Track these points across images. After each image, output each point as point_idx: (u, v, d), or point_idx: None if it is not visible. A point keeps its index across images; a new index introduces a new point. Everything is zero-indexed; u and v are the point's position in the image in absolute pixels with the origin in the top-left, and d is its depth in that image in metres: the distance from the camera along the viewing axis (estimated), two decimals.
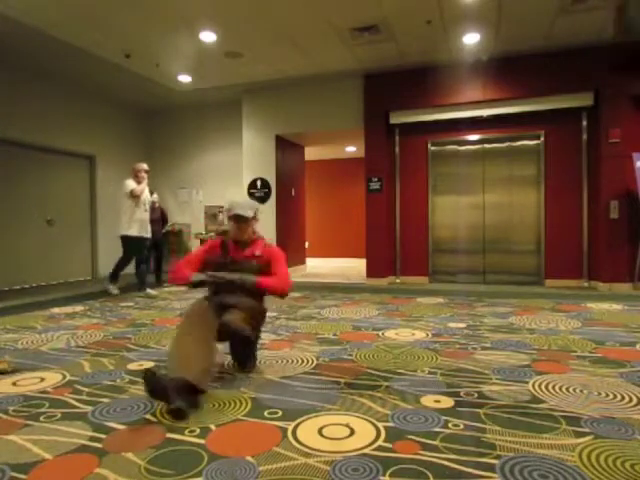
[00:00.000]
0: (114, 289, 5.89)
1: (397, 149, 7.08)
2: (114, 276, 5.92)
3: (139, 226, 5.76)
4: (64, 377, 2.65)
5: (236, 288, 2.61)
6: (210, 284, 2.67)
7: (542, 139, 6.44)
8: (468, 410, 2.10)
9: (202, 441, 1.83)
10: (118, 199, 5.93)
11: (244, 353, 2.79)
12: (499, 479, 1.54)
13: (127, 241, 5.76)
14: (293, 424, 1.98)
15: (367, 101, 6.99)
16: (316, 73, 6.95)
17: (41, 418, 2.08)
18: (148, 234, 5.92)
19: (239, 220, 2.75)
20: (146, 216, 5.88)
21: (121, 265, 5.91)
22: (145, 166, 5.91)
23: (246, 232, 2.79)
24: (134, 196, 5.68)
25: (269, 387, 2.44)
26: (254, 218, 2.83)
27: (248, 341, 2.63)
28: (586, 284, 6.22)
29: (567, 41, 5.84)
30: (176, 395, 2.00)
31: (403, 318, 4.22)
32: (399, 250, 7.09)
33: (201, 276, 2.64)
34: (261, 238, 2.89)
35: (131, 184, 5.73)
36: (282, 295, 2.70)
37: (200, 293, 2.88)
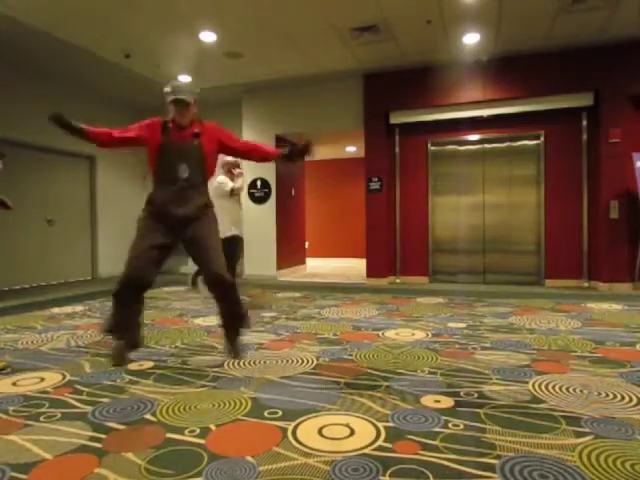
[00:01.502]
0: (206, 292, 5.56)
1: (397, 149, 7.08)
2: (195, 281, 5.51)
3: (239, 225, 5.40)
4: (64, 377, 2.65)
5: (193, 169, 2.70)
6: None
7: (542, 139, 6.44)
8: (468, 410, 2.10)
9: (202, 441, 1.83)
10: (216, 199, 5.57)
11: (234, 305, 2.86)
12: (499, 479, 1.54)
13: (232, 242, 5.32)
14: (293, 424, 1.97)
15: (367, 101, 6.99)
16: (316, 73, 6.95)
17: (41, 418, 2.08)
18: (242, 234, 5.52)
19: (180, 104, 2.70)
20: (241, 214, 5.52)
21: (234, 268, 5.41)
22: (238, 160, 5.53)
23: (187, 117, 2.75)
24: (233, 195, 5.27)
25: (269, 387, 2.44)
26: (194, 103, 2.79)
27: (232, 287, 2.79)
28: (586, 284, 6.22)
29: (567, 41, 5.84)
30: None
31: (403, 318, 4.22)
32: (399, 250, 7.09)
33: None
34: (194, 119, 2.84)
35: (227, 181, 5.28)
36: (270, 157, 2.97)
37: None
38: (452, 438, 1.83)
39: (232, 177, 5.32)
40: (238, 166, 5.39)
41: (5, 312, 4.72)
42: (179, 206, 2.72)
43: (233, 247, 5.24)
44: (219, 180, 5.31)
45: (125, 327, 2.78)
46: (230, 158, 5.36)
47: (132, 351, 2.89)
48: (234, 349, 2.96)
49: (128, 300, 2.76)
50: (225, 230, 5.14)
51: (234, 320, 2.91)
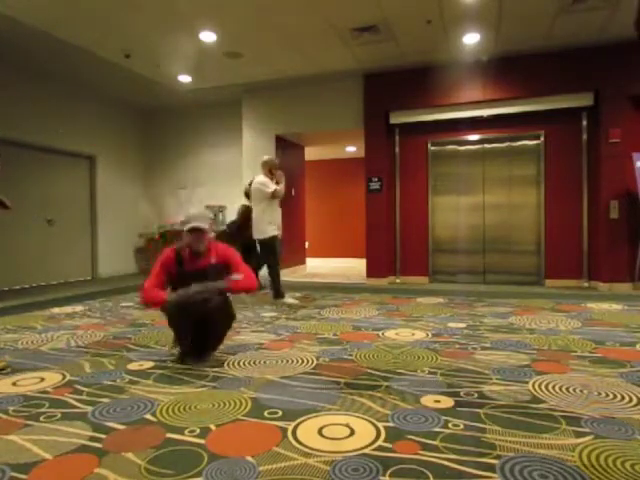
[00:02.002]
0: (290, 298, 5.26)
1: (397, 149, 7.08)
2: (279, 289, 5.28)
3: (278, 227, 5.29)
4: (64, 377, 2.65)
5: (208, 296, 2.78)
6: (185, 302, 2.75)
7: (542, 139, 6.44)
8: (468, 410, 2.10)
9: (202, 441, 1.83)
10: (256, 200, 5.19)
11: (216, 334, 2.96)
12: (499, 479, 1.54)
13: (271, 244, 5.17)
14: (293, 424, 1.98)
15: (367, 101, 6.99)
16: (316, 73, 6.95)
17: (41, 418, 2.08)
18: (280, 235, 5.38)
19: (197, 232, 2.85)
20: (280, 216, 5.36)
21: (277, 274, 5.25)
22: (277, 160, 5.39)
23: (203, 243, 2.88)
24: (275, 197, 5.15)
25: (269, 387, 2.44)
26: (208, 230, 2.91)
27: (229, 318, 2.93)
28: (586, 284, 6.22)
29: (567, 41, 5.84)
30: None
31: (403, 318, 4.22)
32: (399, 250, 7.09)
33: (174, 297, 2.76)
34: (210, 245, 2.97)
35: (269, 183, 5.13)
36: (252, 291, 3.03)
37: None
38: (452, 438, 1.83)
39: (272, 178, 5.18)
40: (278, 167, 5.23)
41: (5, 312, 4.72)
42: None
43: (272, 247, 5.13)
44: (260, 181, 5.14)
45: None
46: (270, 158, 5.28)
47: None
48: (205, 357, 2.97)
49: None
50: (265, 230, 5.09)
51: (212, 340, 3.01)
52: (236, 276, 2.88)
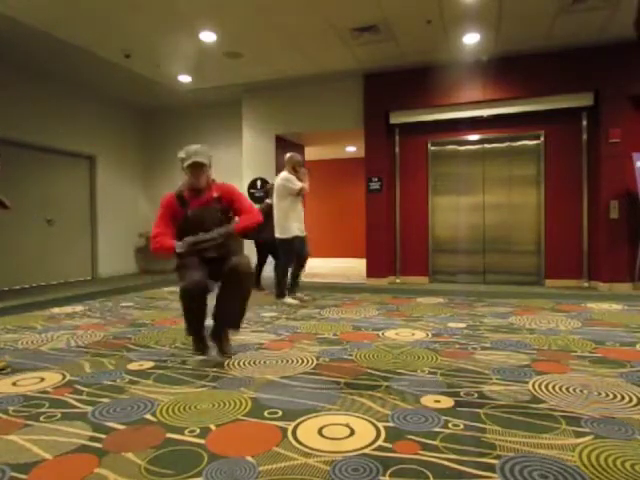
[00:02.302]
0: (292, 300, 5.19)
1: (397, 149, 7.08)
2: (283, 290, 5.20)
3: (299, 226, 5.11)
4: (64, 377, 2.65)
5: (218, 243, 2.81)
6: (193, 249, 2.77)
7: (542, 139, 6.44)
8: (468, 410, 2.10)
9: (202, 441, 1.83)
10: (280, 197, 5.04)
11: (241, 306, 2.91)
12: (499, 479, 1.54)
13: (289, 243, 5.03)
14: (293, 424, 1.97)
15: (367, 101, 6.99)
16: (316, 73, 6.95)
17: (41, 418, 2.08)
18: (303, 233, 5.21)
19: (197, 167, 2.82)
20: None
21: (285, 274, 5.18)
22: (301, 157, 5.25)
23: (202, 178, 2.86)
24: (299, 195, 5.00)
25: (269, 387, 2.44)
26: (208, 164, 2.89)
27: (250, 283, 2.88)
28: (586, 284, 6.22)
29: (567, 41, 5.84)
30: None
31: (403, 318, 4.22)
32: (399, 250, 7.09)
33: (183, 245, 2.75)
34: (212, 182, 2.98)
35: (294, 180, 4.97)
36: (257, 225, 3.01)
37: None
38: (452, 438, 1.83)
39: (297, 175, 5.03)
40: (303, 164, 5.06)
41: (5, 312, 4.72)
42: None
43: (290, 247, 5.00)
44: (285, 177, 4.99)
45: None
46: (295, 154, 5.15)
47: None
48: (225, 347, 3.01)
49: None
50: (289, 229, 4.95)
51: (231, 319, 2.96)
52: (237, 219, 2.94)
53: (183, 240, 2.78)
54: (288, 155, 5.20)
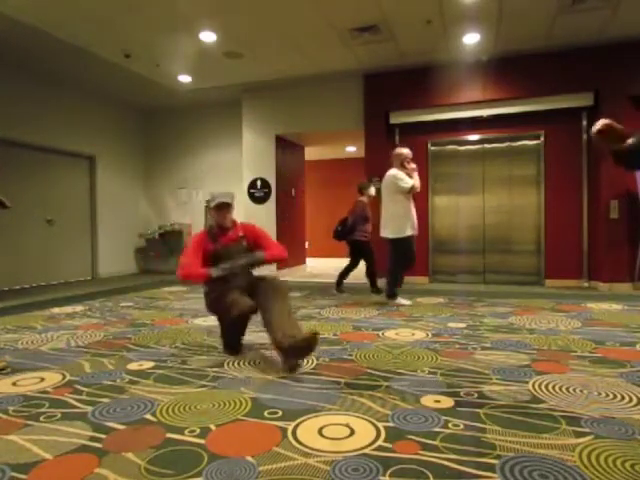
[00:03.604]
0: (406, 300, 4.97)
1: None
2: (395, 284, 4.97)
3: (413, 224, 4.85)
4: (64, 377, 2.65)
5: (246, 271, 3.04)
6: (227, 274, 2.94)
7: (542, 139, 6.44)
8: (468, 410, 2.10)
9: (202, 441, 1.83)
10: (390, 195, 4.84)
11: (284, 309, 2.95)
12: (499, 479, 1.54)
13: (403, 243, 4.79)
14: (293, 424, 1.97)
15: (367, 101, 6.99)
16: (316, 73, 6.95)
17: (41, 418, 2.08)
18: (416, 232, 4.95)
19: (223, 207, 3.09)
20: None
21: (399, 271, 4.95)
22: (410, 153, 4.93)
23: (229, 217, 3.14)
24: (410, 193, 4.77)
25: (269, 387, 2.44)
26: (232, 206, 3.17)
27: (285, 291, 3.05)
28: (586, 284, 6.22)
29: (567, 41, 5.84)
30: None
31: (403, 318, 4.22)
32: None
33: (218, 271, 2.92)
34: (235, 222, 3.24)
35: (405, 177, 4.73)
36: (283, 260, 3.26)
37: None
38: (452, 438, 1.83)
39: (406, 171, 4.80)
40: (411, 160, 4.86)
41: (5, 312, 4.72)
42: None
43: (406, 247, 4.81)
44: (395, 174, 4.78)
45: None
46: (404, 150, 4.93)
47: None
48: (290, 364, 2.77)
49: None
50: (403, 229, 4.72)
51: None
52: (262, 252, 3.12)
53: (218, 266, 2.94)
54: (396, 151, 4.95)
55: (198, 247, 3.04)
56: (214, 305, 3.01)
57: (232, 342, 3.14)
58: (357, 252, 5.75)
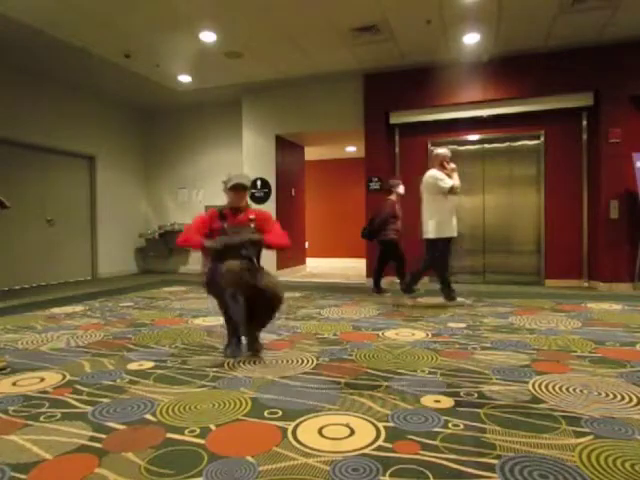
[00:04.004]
0: (464, 300, 4.93)
1: (397, 149, 7.08)
2: (446, 283, 4.87)
3: (454, 225, 4.81)
4: (64, 377, 2.65)
5: (242, 250, 3.00)
6: (221, 247, 2.96)
7: (542, 139, 6.44)
8: (468, 410, 2.10)
9: (202, 441, 1.83)
10: (430, 196, 4.80)
11: (270, 316, 3.05)
12: (499, 479, 1.54)
13: (442, 243, 4.76)
14: (293, 424, 1.97)
15: (367, 101, 6.99)
16: (316, 73, 6.95)
17: (41, 418, 2.08)
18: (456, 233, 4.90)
19: (239, 189, 3.12)
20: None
21: (444, 269, 4.84)
22: (449, 152, 4.92)
23: (243, 199, 3.18)
24: (451, 193, 4.71)
25: (269, 387, 2.44)
26: (249, 188, 3.23)
27: (281, 301, 2.99)
28: (586, 284, 6.22)
29: (567, 41, 5.84)
30: None
31: (403, 318, 4.22)
32: None
33: (213, 242, 2.98)
34: (248, 205, 3.28)
35: (445, 178, 4.69)
36: (285, 248, 3.23)
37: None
38: (452, 438, 1.83)
39: (445, 172, 4.77)
40: (450, 160, 4.83)
41: (5, 312, 4.72)
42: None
43: (446, 249, 4.76)
44: (435, 175, 4.75)
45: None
46: (443, 150, 4.92)
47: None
48: (256, 344, 3.12)
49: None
50: (443, 230, 4.68)
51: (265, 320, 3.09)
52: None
53: (215, 239, 2.99)
54: (435, 151, 4.96)
55: (203, 223, 3.10)
56: (210, 284, 2.96)
57: (236, 317, 2.98)
58: (387, 251, 5.68)
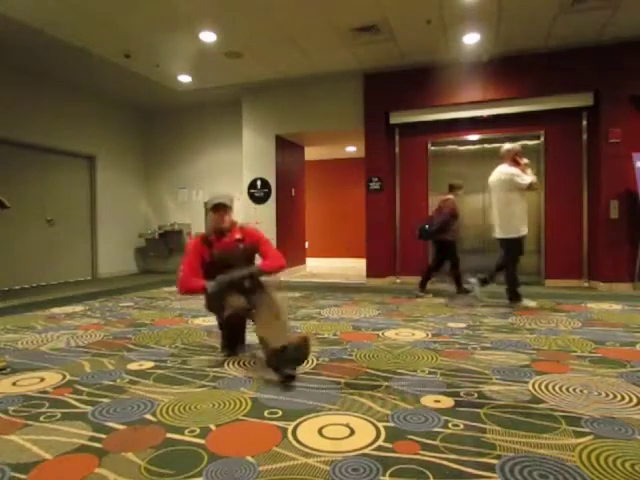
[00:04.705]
0: (530, 301, 4.73)
1: (397, 149, 7.08)
2: (515, 285, 4.69)
3: (526, 223, 4.64)
4: (64, 377, 2.65)
5: (245, 281, 2.92)
6: (225, 287, 2.85)
7: (542, 139, 6.44)
8: (468, 410, 2.10)
9: (202, 441, 1.83)
10: (505, 193, 4.61)
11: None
12: (499, 479, 1.54)
13: (519, 242, 4.60)
14: (293, 424, 1.97)
15: (367, 101, 6.99)
16: (316, 73, 6.95)
17: (41, 418, 2.08)
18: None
19: (220, 208, 3.04)
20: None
21: (514, 271, 4.67)
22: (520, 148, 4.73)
23: (226, 219, 3.07)
24: (529, 190, 4.55)
25: (269, 387, 2.44)
26: (230, 207, 3.12)
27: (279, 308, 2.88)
28: (586, 284, 6.22)
29: (567, 41, 5.84)
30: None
31: (403, 318, 4.22)
32: (399, 250, 7.09)
33: (215, 286, 2.83)
34: (234, 224, 3.17)
35: (523, 174, 4.51)
36: (282, 269, 3.08)
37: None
38: (452, 438, 1.83)
39: (520, 168, 4.57)
40: (522, 155, 4.63)
41: (5, 312, 4.72)
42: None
43: (520, 248, 4.62)
44: (511, 171, 4.52)
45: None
46: (515, 145, 4.73)
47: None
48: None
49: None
50: (519, 229, 4.54)
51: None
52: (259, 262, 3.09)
53: (216, 279, 2.85)
54: (507, 146, 4.73)
55: (194, 256, 3.00)
56: (211, 304, 2.99)
57: (229, 342, 3.13)
58: (444, 252, 5.50)
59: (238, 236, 3.09)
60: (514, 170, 4.53)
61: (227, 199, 3.10)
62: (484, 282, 4.91)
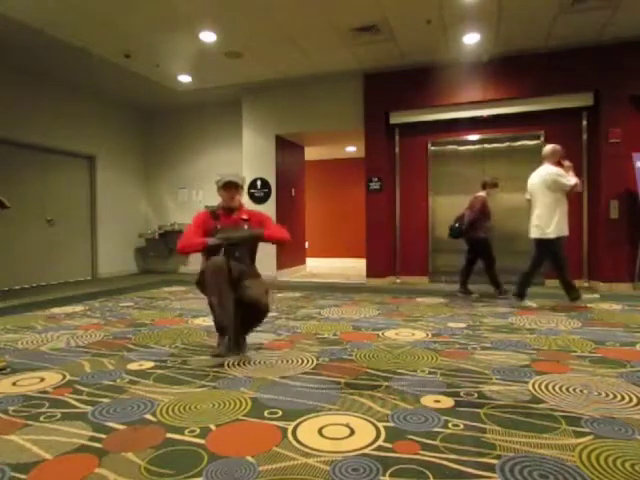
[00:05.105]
0: (529, 301, 4.85)
1: (397, 149, 7.08)
2: (570, 285, 4.66)
3: (567, 224, 4.61)
4: (64, 377, 2.65)
5: (242, 252, 3.01)
6: (224, 245, 2.93)
7: (542, 139, 6.44)
8: (468, 410, 2.10)
9: (202, 441, 1.83)
10: (548, 193, 4.54)
11: (254, 324, 3.11)
12: (499, 479, 1.54)
13: (561, 243, 4.57)
14: (293, 424, 1.98)
15: (367, 101, 6.99)
16: (316, 73, 6.95)
17: (41, 418, 2.08)
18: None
19: (231, 186, 3.08)
20: None
21: (565, 269, 4.61)
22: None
23: (236, 198, 3.12)
24: (573, 191, 4.54)
25: (269, 387, 2.44)
26: (241, 186, 3.16)
27: (265, 313, 3.00)
28: (586, 284, 6.22)
29: (567, 41, 5.84)
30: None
31: (403, 318, 4.22)
32: (399, 250, 7.09)
33: (215, 240, 2.93)
34: (242, 205, 3.23)
35: (565, 174, 4.49)
36: (285, 242, 3.17)
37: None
38: (452, 438, 1.83)
39: (564, 169, 4.57)
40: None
41: (5, 312, 4.72)
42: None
43: (559, 249, 4.56)
44: (557, 172, 4.50)
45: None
46: (559, 146, 4.70)
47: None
48: (240, 346, 3.11)
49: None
50: (561, 229, 4.52)
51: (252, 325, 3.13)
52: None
53: (216, 234, 2.96)
54: (550, 147, 4.69)
55: (199, 225, 3.05)
56: (203, 280, 2.92)
57: (221, 319, 2.88)
58: (475, 250, 5.45)
59: (244, 216, 3.13)
60: (560, 170, 4.51)
61: (238, 178, 3.12)
62: (520, 296, 4.84)
